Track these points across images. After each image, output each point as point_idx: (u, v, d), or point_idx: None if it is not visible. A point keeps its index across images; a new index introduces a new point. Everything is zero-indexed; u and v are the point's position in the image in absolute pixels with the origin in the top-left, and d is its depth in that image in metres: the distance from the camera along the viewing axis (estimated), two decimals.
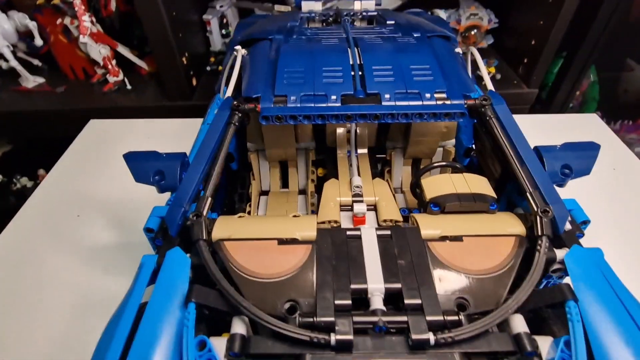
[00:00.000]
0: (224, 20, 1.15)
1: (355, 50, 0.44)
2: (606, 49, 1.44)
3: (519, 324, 0.27)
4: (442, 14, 1.05)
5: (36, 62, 1.12)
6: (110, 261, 0.49)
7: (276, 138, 0.47)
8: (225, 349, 0.27)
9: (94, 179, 0.62)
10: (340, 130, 0.48)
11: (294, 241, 0.32)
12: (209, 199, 0.34)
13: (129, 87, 1.05)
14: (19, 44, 1.04)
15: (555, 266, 0.31)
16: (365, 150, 0.48)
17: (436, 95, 0.37)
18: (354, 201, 0.41)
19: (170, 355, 0.26)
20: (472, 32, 1.12)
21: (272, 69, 0.41)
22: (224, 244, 0.32)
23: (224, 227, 0.33)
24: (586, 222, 0.34)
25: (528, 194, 0.33)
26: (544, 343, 0.27)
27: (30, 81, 1.08)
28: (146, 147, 0.67)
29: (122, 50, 1.05)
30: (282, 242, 0.32)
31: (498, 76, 1.02)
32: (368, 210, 0.41)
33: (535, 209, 0.32)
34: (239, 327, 0.27)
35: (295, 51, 0.42)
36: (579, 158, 0.36)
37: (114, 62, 1.04)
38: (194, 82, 1.03)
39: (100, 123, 0.80)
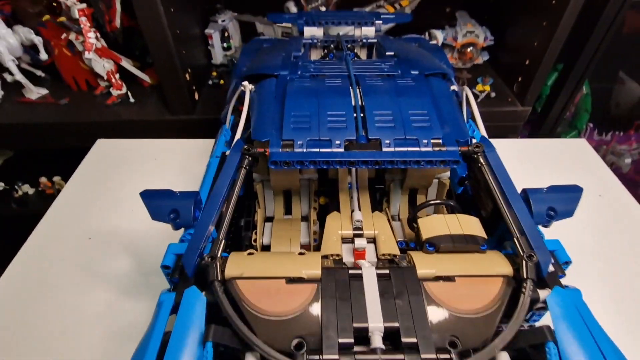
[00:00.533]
0: (225, 34, 1.17)
1: (357, 90, 0.47)
2: (599, 61, 1.47)
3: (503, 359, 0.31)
4: (439, 35, 1.08)
5: (39, 73, 1.13)
6: (127, 286, 0.52)
7: (282, 172, 0.49)
8: None
9: (104, 201, 0.65)
10: (342, 186, 0.51)
11: (300, 280, 0.35)
12: (223, 241, 0.36)
13: (132, 100, 1.07)
14: (23, 55, 1.06)
15: (539, 305, 0.34)
16: (365, 184, 0.51)
17: (432, 142, 0.40)
18: (354, 235, 0.44)
19: None
20: (469, 49, 1.15)
21: (279, 111, 0.44)
22: (236, 283, 0.35)
23: (236, 265, 0.36)
24: (568, 263, 0.37)
25: (515, 239, 0.36)
26: None
27: (34, 93, 1.09)
28: (154, 167, 0.69)
29: (126, 64, 1.07)
30: (289, 280, 0.35)
31: (493, 94, 1.05)
32: (368, 243, 0.44)
33: (522, 254, 0.35)
34: None
35: (300, 93, 0.45)
36: (563, 200, 0.39)
37: (117, 75, 1.06)
38: (196, 96, 1.05)
39: (108, 142, 0.82)
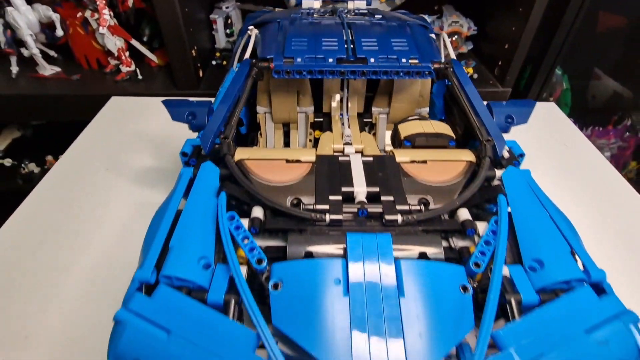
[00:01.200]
0: (229, 21, 1.26)
1: (349, 30, 0.55)
2: (576, 58, 1.58)
3: (464, 214, 0.37)
4: (426, 18, 1.17)
5: (52, 52, 1.21)
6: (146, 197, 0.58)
7: (282, 102, 0.57)
8: (247, 227, 0.36)
9: (120, 143, 0.71)
10: (334, 98, 0.58)
11: (298, 161, 0.42)
12: (234, 127, 0.43)
13: (139, 77, 1.15)
14: (38, 35, 1.13)
15: (495, 182, 0.41)
16: (354, 114, 0.58)
17: (410, 60, 0.48)
18: (345, 144, 0.51)
19: (208, 227, 0.35)
20: (454, 38, 1.25)
21: (282, 39, 0.51)
22: (244, 161, 0.41)
23: (243, 152, 0.43)
24: (522, 155, 0.44)
25: (477, 131, 0.43)
26: (482, 226, 0.36)
27: (48, 69, 1.16)
28: (163, 120, 0.76)
29: (135, 43, 1.14)
30: (289, 161, 0.42)
31: (475, 76, 1.14)
32: (356, 152, 0.51)
33: (481, 139, 0.42)
34: (257, 212, 0.37)
35: (300, 27, 0.53)
36: (519, 111, 0.47)
37: (127, 53, 1.14)
38: (201, 73, 1.13)
39: (121, 99, 0.89)
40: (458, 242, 0.36)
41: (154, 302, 0.29)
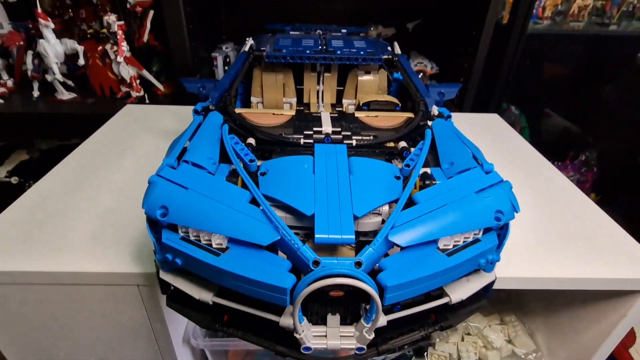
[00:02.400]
0: (227, 59, 1.47)
1: (323, 39, 0.72)
2: (529, 100, 1.83)
3: (402, 144, 0.51)
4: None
5: (70, 82, 1.38)
6: None
7: (271, 94, 0.72)
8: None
9: (135, 134, 0.85)
10: (312, 90, 0.74)
11: (281, 115, 0.56)
12: (234, 90, 0.58)
13: (147, 101, 1.31)
14: (61, 66, 1.31)
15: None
16: (329, 104, 0.74)
17: (368, 53, 0.65)
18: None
19: (215, 143, 0.48)
20: (420, 76, 1.47)
21: (272, 41, 0.68)
22: (241, 113, 0.56)
23: (240, 110, 0.57)
24: (449, 116, 0.59)
25: (415, 96, 0.59)
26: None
27: (65, 94, 1.32)
28: (173, 124, 0.91)
29: (146, 73, 1.33)
30: (275, 114, 0.56)
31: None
32: None
33: (417, 99, 0.57)
34: (250, 140, 0.50)
35: (286, 36, 0.70)
36: (448, 90, 0.63)
37: (137, 81, 1.31)
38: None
39: (135, 106, 1.04)
40: (398, 163, 0.50)
41: (176, 172, 0.41)
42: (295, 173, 0.43)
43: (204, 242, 0.39)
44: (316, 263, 0.34)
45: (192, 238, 0.39)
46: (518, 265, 0.54)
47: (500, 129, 0.96)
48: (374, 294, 0.33)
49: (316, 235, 0.37)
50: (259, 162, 0.45)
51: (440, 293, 0.42)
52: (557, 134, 1.86)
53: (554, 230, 0.61)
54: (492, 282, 0.45)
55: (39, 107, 1.28)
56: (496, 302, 0.85)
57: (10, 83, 1.34)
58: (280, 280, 0.35)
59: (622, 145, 1.72)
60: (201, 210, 0.38)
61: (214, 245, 0.38)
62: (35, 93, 1.30)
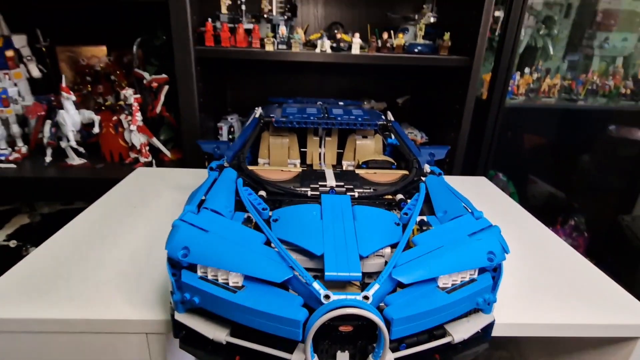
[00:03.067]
0: (231, 129, 1.58)
1: (325, 107, 0.82)
2: (515, 167, 1.94)
3: (399, 196, 0.56)
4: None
5: (81, 149, 1.46)
6: None
7: (277, 155, 0.79)
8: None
9: (145, 197, 0.90)
10: (315, 153, 0.81)
11: (289, 171, 0.62)
12: (246, 150, 0.64)
13: (154, 166, 1.38)
14: (76, 134, 1.40)
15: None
16: (330, 165, 0.81)
17: (364, 119, 0.73)
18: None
19: (231, 196, 0.53)
20: None
21: (280, 108, 0.77)
22: (253, 169, 0.61)
23: (252, 167, 0.63)
24: (441, 173, 0.66)
25: (408, 156, 0.66)
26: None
27: (76, 160, 1.40)
28: (183, 184, 0.96)
29: (155, 141, 1.42)
30: (283, 170, 0.62)
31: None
32: None
33: (411, 158, 0.64)
34: (261, 193, 0.55)
35: (292, 105, 0.79)
36: (438, 151, 0.71)
37: (147, 148, 1.40)
38: (206, 164, 1.38)
39: (146, 169, 1.10)
40: (397, 213, 0.55)
41: (198, 217, 0.45)
42: (304, 219, 0.47)
43: (221, 281, 0.42)
44: (327, 297, 0.37)
45: (210, 277, 0.42)
46: (513, 311, 0.56)
47: (488, 189, 1.03)
48: (381, 324, 0.36)
49: (326, 273, 0.40)
50: (270, 211, 0.50)
51: (443, 333, 0.44)
52: (543, 199, 1.94)
53: (545, 280, 0.64)
54: (492, 324, 0.47)
55: (49, 172, 1.33)
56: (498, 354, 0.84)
57: (24, 149, 1.41)
58: (293, 314, 0.37)
59: (605, 209, 1.79)
60: (220, 250, 0.42)
61: (231, 284, 0.41)
62: (48, 159, 1.36)
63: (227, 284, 0.41)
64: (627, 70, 1.57)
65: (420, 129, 1.61)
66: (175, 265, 0.43)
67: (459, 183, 1.08)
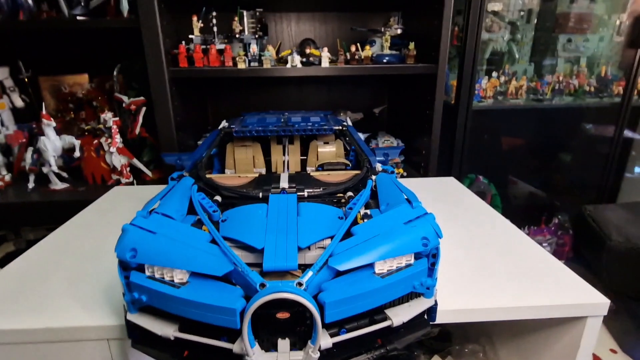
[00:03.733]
0: None
1: (284, 116, 0.85)
2: (494, 170, 1.98)
3: (349, 193, 0.59)
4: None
5: (64, 174, 1.49)
6: None
7: (243, 165, 0.82)
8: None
9: (120, 209, 0.92)
10: (279, 161, 0.84)
11: (246, 177, 0.65)
12: (204, 160, 0.67)
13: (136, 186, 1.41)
14: (58, 159, 1.43)
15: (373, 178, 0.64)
16: (294, 171, 0.84)
17: (322, 125, 0.77)
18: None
19: (184, 201, 0.55)
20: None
21: (241, 119, 0.80)
22: (212, 177, 0.64)
23: (211, 175, 0.66)
24: (393, 172, 0.69)
25: (360, 156, 0.69)
26: None
27: (59, 185, 1.42)
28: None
29: (136, 161, 1.45)
30: (240, 177, 0.65)
31: (405, 174, 1.46)
32: None
33: (362, 158, 0.67)
34: (216, 197, 0.58)
35: (252, 115, 0.83)
36: (392, 151, 0.74)
37: (128, 169, 1.43)
38: None
39: (122, 187, 1.13)
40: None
41: (147, 220, 0.48)
42: (250, 218, 0.50)
43: (168, 279, 0.44)
44: (262, 285, 0.40)
45: (157, 276, 0.44)
46: (467, 298, 0.58)
47: (453, 187, 1.06)
48: (311, 306, 0.38)
49: (264, 264, 0.42)
50: (220, 214, 0.52)
51: (384, 317, 0.46)
52: (525, 199, 1.97)
53: (499, 268, 0.66)
54: (433, 308, 0.49)
55: (32, 197, 1.36)
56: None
57: (7, 177, 1.44)
58: (231, 303, 0.39)
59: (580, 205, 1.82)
60: (165, 250, 0.44)
61: (176, 280, 0.43)
62: (31, 185, 1.39)
63: (173, 281, 0.44)
64: (590, 69, 1.63)
65: (396, 137, 1.65)
66: (126, 268, 0.46)
67: (428, 184, 1.12)
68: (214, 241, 0.46)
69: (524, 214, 2.03)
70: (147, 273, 0.45)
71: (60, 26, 1.25)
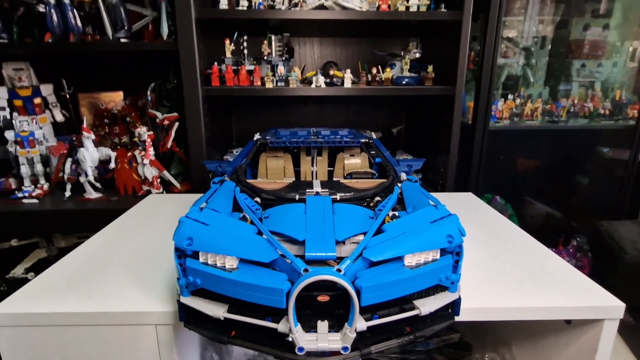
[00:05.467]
0: None
1: (313, 130, 0.92)
2: (510, 190, 2.00)
3: (377, 198, 0.64)
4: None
5: (98, 184, 1.58)
6: None
7: (274, 175, 0.88)
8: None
9: (157, 214, 0.99)
10: (308, 171, 0.91)
11: (282, 182, 0.71)
12: (244, 167, 0.74)
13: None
14: (94, 170, 1.52)
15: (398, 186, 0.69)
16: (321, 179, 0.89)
17: (348, 139, 0.83)
18: None
19: (229, 201, 0.61)
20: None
21: (275, 132, 0.87)
22: (250, 181, 0.71)
23: (248, 181, 0.73)
24: (417, 181, 0.74)
25: (386, 166, 0.74)
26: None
27: (93, 194, 1.51)
28: (186, 210, 1.05)
29: (166, 174, 1.53)
30: (276, 182, 0.71)
31: None
32: None
33: (388, 167, 0.73)
34: (257, 199, 0.64)
35: (285, 129, 0.90)
36: (415, 163, 0.79)
37: (158, 180, 1.51)
38: None
39: (157, 195, 1.20)
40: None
41: (200, 214, 0.54)
42: (290, 214, 0.55)
43: (219, 265, 0.49)
44: (306, 270, 0.45)
45: (210, 262, 0.50)
46: (489, 298, 0.62)
47: (474, 203, 1.10)
48: (350, 288, 0.43)
49: (306, 253, 0.48)
50: (262, 212, 0.58)
51: (412, 307, 0.50)
52: (541, 219, 1.98)
53: (519, 273, 0.70)
54: (457, 302, 0.53)
55: (68, 205, 1.44)
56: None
57: (46, 186, 1.53)
58: (279, 284, 0.44)
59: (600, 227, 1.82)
60: (218, 239, 0.50)
61: (227, 266, 0.49)
62: (67, 193, 1.48)
63: (225, 267, 0.49)
64: (605, 93, 1.67)
65: (414, 155, 1.71)
66: (180, 255, 0.51)
67: (447, 199, 1.16)
68: (259, 233, 0.52)
69: (540, 235, 2.02)
70: (201, 260, 0.50)
71: (106, 48, 1.37)
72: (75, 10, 1.31)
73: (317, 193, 0.64)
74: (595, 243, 1.50)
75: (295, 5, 1.35)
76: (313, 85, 1.39)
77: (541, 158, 1.91)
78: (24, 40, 1.42)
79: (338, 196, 0.64)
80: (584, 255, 1.99)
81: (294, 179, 0.73)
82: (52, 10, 1.27)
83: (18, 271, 1.60)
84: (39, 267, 1.66)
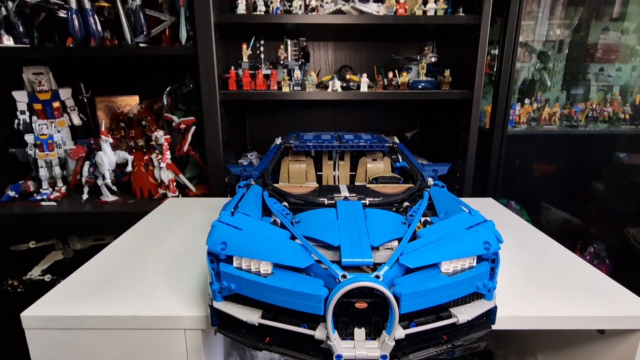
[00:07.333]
0: (251, 164, 1.70)
1: (337, 136, 0.92)
2: (526, 196, 1.98)
3: (406, 203, 0.64)
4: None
5: (114, 187, 1.59)
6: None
7: (296, 179, 0.88)
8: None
9: (178, 218, 0.99)
10: (330, 175, 0.90)
11: (308, 187, 0.71)
12: (269, 171, 0.73)
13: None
14: (111, 173, 1.53)
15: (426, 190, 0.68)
16: (344, 185, 0.89)
17: (373, 142, 0.82)
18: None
19: (258, 205, 0.61)
20: None
21: (298, 136, 0.87)
22: (276, 186, 0.70)
23: (275, 185, 0.72)
24: (444, 186, 0.73)
25: (413, 171, 0.73)
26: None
27: (110, 197, 1.51)
28: (208, 214, 1.05)
29: (182, 177, 1.54)
30: (302, 187, 0.71)
31: None
32: None
33: (415, 172, 0.72)
34: (285, 203, 0.63)
35: (308, 133, 0.90)
36: (440, 168, 0.78)
37: (174, 183, 1.51)
38: (229, 196, 1.48)
39: (176, 199, 1.20)
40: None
41: (233, 218, 0.53)
42: (322, 219, 0.55)
43: (254, 270, 0.49)
44: (344, 276, 0.44)
45: (244, 267, 0.49)
46: (521, 306, 0.61)
47: (495, 207, 1.09)
48: (390, 295, 0.42)
49: (343, 259, 0.47)
50: (292, 217, 0.58)
51: (449, 315, 0.49)
52: (558, 225, 1.95)
53: (550, 281, 0.68)
54: (493, 310, 0.52)
55: (85, 208, 1.45)
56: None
57: (64, 189, 1.54)
58: (316, 290, 0.44)
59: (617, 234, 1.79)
60: (252, 244, 0.49)
61: (262, 271, 0.48)
62: (85, 196, 1.49)
63: (259, 272, 0.49)
64: (624, 97, 1.65)
65: (429, 160, 1.70)
66: (213, 260, 0.51)
67: (467, 203, 1.15)
68: (292, 238, 0.51)
69: (557, 241, 2.00)
70: (235, 264, 0.50)
71: (126, 53, 1.38)
72: (96, 16, 1.32)
73: (346, 198, 0.63)
74: (620, 250, 1.48)
75: (313, 10, 1.35)
76: (329, 90, 1.39)
77: (559, 164, 1.88)
78: (45, 45, 1.44)
79: (367, 201, 0.63)
80: (601, 262, 1.96)
81: (316, 183, 0.72)
82: (74, 16, 1.28)
83: (35, 273, 1.62)
84: (55, 269, 1.67)
